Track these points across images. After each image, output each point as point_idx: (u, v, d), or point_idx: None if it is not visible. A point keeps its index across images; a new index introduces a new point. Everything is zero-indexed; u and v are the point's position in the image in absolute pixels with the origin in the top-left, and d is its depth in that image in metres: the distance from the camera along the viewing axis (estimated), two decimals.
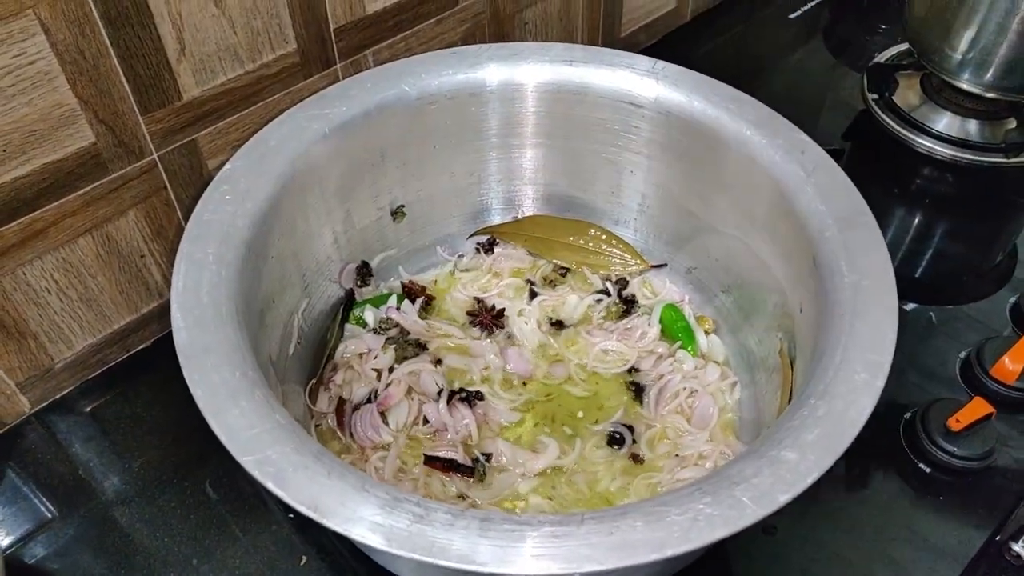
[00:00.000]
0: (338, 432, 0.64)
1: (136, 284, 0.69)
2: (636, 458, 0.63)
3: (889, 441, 0.66)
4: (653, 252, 0.75)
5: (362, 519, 0.42)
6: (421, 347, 0.70)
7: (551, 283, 0.75)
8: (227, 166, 0.59)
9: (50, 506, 0.62)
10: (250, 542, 0.60)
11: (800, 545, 0.60)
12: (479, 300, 0.73)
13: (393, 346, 0.69)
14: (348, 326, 0.71)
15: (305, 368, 0.67)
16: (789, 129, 0.62)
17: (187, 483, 0.63)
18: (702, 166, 0.67)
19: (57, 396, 0.68)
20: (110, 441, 0.66)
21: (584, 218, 0.76)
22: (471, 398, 0.66)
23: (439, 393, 0.66)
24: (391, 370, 0.67)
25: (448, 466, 0.61)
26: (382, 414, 0.65)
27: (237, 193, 0.57)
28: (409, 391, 0.66)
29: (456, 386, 0.67)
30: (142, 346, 0.72)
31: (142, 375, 0.70)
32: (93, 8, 0.54)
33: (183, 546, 0.60)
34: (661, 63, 0.67)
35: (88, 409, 0.68)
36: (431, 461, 0.62)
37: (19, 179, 0.57)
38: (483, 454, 0.63)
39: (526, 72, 0.68)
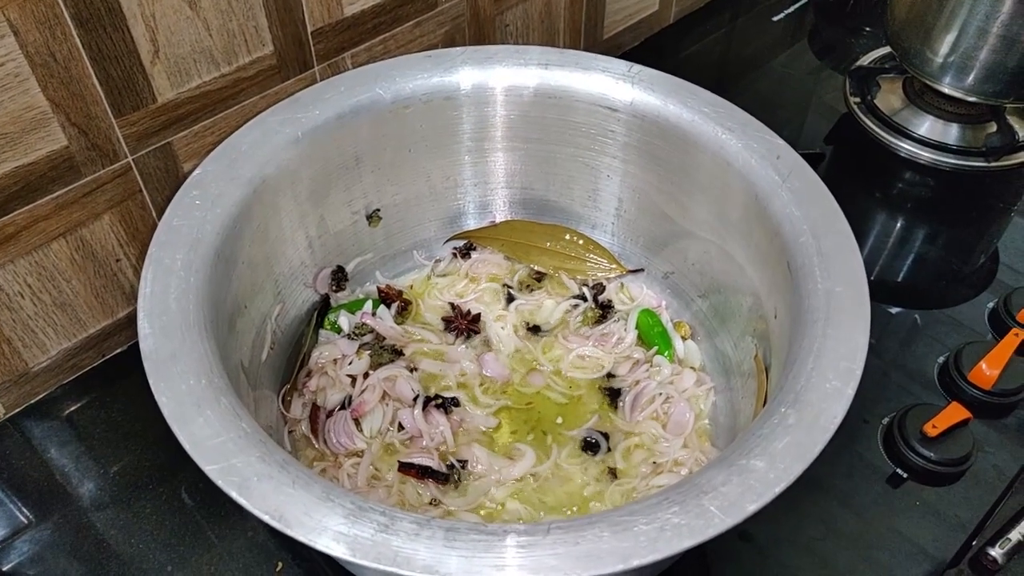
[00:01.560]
0: (312, 439, 0.64)
1: (111, 288, 0.68)
2: (612, 472, 0.63)
3: (867, 446, 0.66)
4: (630, 256, 0.75)
5: (326, 529, 0.42)
6: (397, 353, 0.69)
7: (528, 287, 0.75)
8: (197, 171, 0.59)
9: (25, 512, 0.62)
10: (225, 548, 0.60)
11: (777, 550, 0.60)
12: (454, 305, 0.73)
13: (368, 352, 0.68)
14: (323, 332, 0.71)
15: (279, 374, 0.66)
16: (765, 134, 0.62)
17: (163, 489, 0.63)
18: (678, 170, 0.67)
19: (32, 401, 0.68)
20: (86, 446, 0.65)
21: (561, 222, 0.76)
22: (447, 405, 0.66)
23: (415, 399, 0.65)
24: (366, 376, 0.67)
25: (423, 473, 0.61)
26: (356, 421, 0.64)
27: (207, 198, 0.57)
28: (383, 397, 0.66)
29: (432, 392, 0.67)
30: (118, 350, 0.72)
31: (118, 380, 0.70)
32: (64, 9, 0.54)
33: (158, 552, 0.59)
34: (637, 67, 0.67)
35: (64, 414, 0.68)
36: (405, 468, 0.61)
37: None
38: (459, 461, 0.62)
39: (500, 76, 0.68)
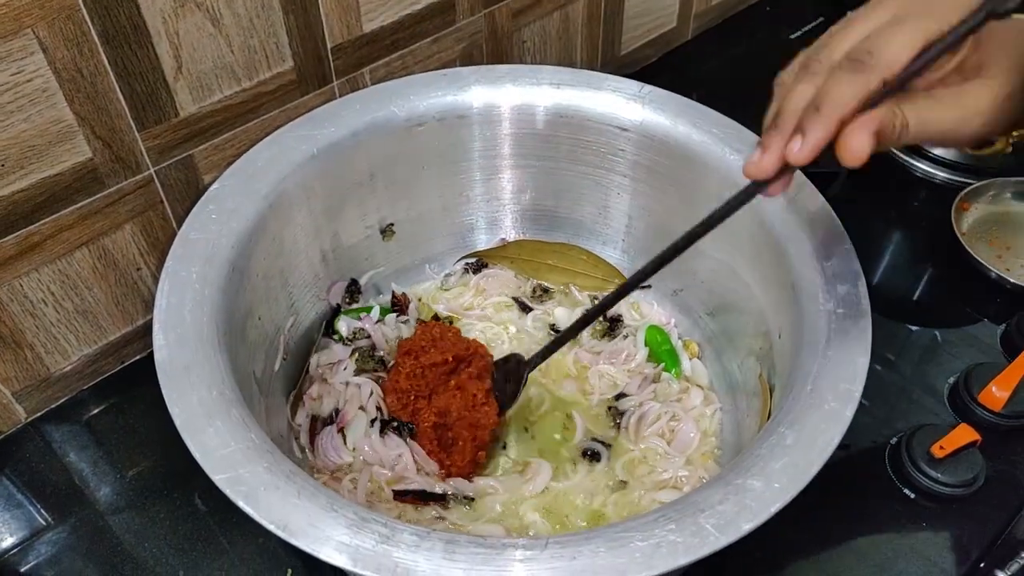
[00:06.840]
0: (311, 453, 0.63)
1: (132, 296, 0.70)
2: (621, 481, 0.63)
3: (875, 466, 0.65)
4: None
5: (330, 539, 0.43)
6: (382, 364, 0.68)
7: (539, 298, 0.75)
8: (215, 185, 0.60)
9: (44, 514, 0.63)
10: (237, 554, 0.60)
11: (788, 566, 0.60)
12: (438, 316, 0.73)
13: (355, 358, 0.67)
14: (324, 339, 0.70)
15: (291, 383, 0.67)
16: None
17: (177, 494, 0.64)
18: (687, 189, 0.67)
19: (53, 406, 0.69)
20: (104, 451, 0.67)
21: (571, 238, 0.77)
22: (402, 429, 0.62)
23: (372, 422, 0.63)
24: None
25: (418, 497, 0.60)
26: (341, 432, 0.63)
27: (223, 212, 0.58)
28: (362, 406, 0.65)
29: None
30: (137, 357, 0.73)
31: (136, 386, 0.71)
32: (91, 27, 0.55)
33: (171, 557, 0.60)
34: (648, 87, 0.68)
35: (83, 419, 0.69)
36: (401, 496, 0.60)
37: (17, 193, 0.58)
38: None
39: (512, 95, 0.69)
